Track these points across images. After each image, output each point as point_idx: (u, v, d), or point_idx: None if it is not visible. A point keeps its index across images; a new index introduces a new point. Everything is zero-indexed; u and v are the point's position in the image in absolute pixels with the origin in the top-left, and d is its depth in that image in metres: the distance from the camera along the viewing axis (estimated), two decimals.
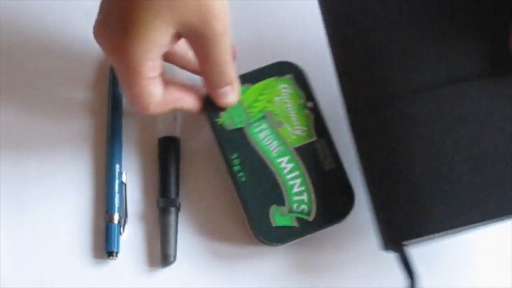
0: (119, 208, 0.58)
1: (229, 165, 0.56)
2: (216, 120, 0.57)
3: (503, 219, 0.50)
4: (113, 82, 0.61)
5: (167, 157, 0.59)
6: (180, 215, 0.58)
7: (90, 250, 0.58)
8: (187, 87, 0.56)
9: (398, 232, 0.50)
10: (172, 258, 0.57)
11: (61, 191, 0.59)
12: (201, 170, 0.60)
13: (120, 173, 0.59)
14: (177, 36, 0.50)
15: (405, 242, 0.50)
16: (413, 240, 0.50)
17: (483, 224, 0.50)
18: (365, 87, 0.52)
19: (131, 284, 0.57)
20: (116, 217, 0.58)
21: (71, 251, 0.58)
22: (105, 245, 0.57)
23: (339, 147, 0.57)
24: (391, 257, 0.57)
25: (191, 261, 0.57)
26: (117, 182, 0.59)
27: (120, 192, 0.59)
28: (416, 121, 0.50)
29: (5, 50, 0.63)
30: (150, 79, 0.51)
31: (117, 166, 0.59)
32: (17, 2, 0.64)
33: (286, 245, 0.56)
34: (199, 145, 0.60)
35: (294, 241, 0.56)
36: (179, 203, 0.58)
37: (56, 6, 0.64)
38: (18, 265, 0.57)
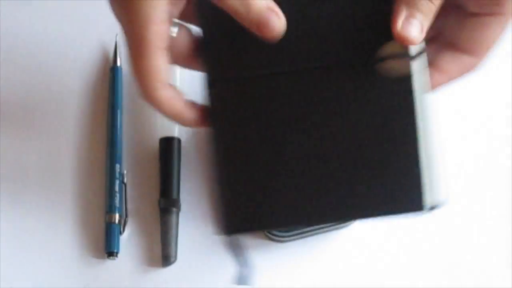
0: (119, 208, 0.58)
1: None
2: None
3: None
4: (114, 82, 0.61)
5: (168, 158, 0.59)
6: (181, 215, 0.58)
7: (90, 250, 0.58)
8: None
9: (228, 222, 0.47)
10: (173, 258, 0.56)
11: (61, 191, 0.59)
12: (202, 171, 0.60)
13: (120, 173, 0.59)
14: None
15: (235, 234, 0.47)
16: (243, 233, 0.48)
17: (311, 228, 0.49)
18: (222, 61, 0.47)
19: (131, 284, 0.57)
20: (116, 217, 0.58)
21: (71, 251, 0.57)
22: (105, 245, 0.57)
23: None
24: (391, 258, 0.57)
25: (192, 261, 0.57)
26: (117, 182, 0.59)
27: (120, 192, 0.59)
28: (255, 105, 0.47)
29: (5, 50, 0.63)
30: (157, 49, 0.45)
31: (117, 166, 0.59)
32: (18, 2, 0.64)
33: (290, 241, 0.57)
34: (199, 145, 0.60)
35: (298, 234, 0.56)
36: (180, 203, 0.58)
37: (56, 7, 0.64)
38: (18, 265, 0.57)
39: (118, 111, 0.61)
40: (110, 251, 0.57)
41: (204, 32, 0.47)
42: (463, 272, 0.57)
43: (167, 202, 0.58)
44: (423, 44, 0.45)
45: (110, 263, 0.57)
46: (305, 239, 0.57)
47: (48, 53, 0.63)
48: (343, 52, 0.46)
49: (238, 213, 0.46)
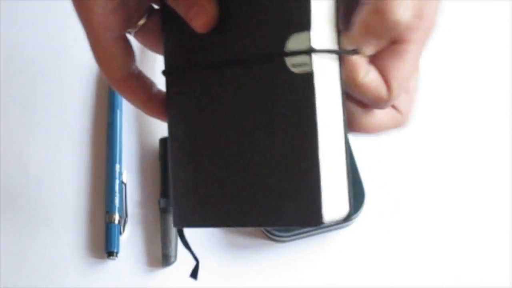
0: (119, 208, 0.58)
1: None
2: None
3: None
4: None
5: (168, 158, 0.59)
6: None
7: (90, 250, 0.58)
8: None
9: (176, 216, 0.45)
10: (173, 258, 0.56)
11: (61, 191, 0.59)
12: None
13: (120, 173, 0.59)
14: None
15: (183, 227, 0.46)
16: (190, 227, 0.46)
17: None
18: (169, 51, 0.46)
19: (131, 284, 0.57)
20: (116, 217, 0.58)
21: (71, 251, 0.57)
22: (105, 245, 0.57)
23: (353, 147, 0.57)
24: (391, 258, 0.57)
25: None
26: (117, 182, 0.59)
27: (120, 192, 0.59)
28: (189, 99, 0.44)
29: (5, 50, 0.63)
30: (107, 40, 0.44)
31: (117, 166, 0.59)
32: (18, 2, 0.64)
33: (290, 241, 0.57)
34: None
35: (298, 234, 0.56)
36: None
37: (56, 7, 0.64)
38: (18, 265, 0.57)
39: (118, 111, 0.61)
40: (110, 251, 0.57)
41: (162, 19, 0.46)
42: (463, 272, 0.57)
43: (167, 202, 0.58)
44: (334, 41, 0.39)
45: (110, 263, 0.57)
46: (305, 239, 0.57)
47: (48, 53, 0.63)
48: (261, 45, 0.41)
49: (180, 208, 0.45)
